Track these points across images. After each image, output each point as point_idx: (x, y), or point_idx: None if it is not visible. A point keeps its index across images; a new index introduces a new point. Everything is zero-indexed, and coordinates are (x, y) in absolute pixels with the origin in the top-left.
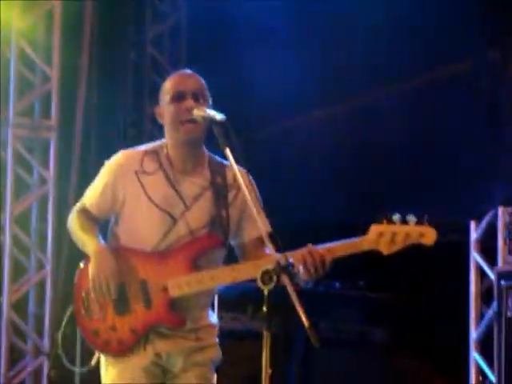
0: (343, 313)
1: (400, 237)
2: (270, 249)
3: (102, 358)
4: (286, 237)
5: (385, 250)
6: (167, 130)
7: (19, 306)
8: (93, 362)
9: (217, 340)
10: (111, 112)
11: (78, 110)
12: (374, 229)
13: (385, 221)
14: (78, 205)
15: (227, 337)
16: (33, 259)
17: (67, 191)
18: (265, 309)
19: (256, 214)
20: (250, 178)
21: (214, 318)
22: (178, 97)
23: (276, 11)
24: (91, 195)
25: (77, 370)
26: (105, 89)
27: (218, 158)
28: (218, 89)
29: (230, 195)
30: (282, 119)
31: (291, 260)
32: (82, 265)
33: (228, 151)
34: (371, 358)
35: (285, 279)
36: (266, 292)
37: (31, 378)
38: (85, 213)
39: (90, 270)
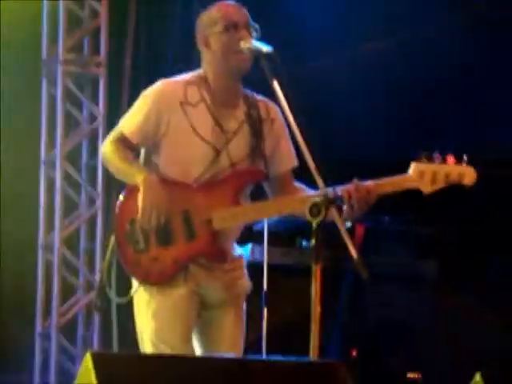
0: (392, 247)
1: (440, 176)
2: (318, 182)
3: (141, 289)
4: (328, 174)
5: (426, 189)
6: (213, 59)
7: (71, 242)
8: (132, 293)
9: (245, 271)
10: (160, 47)
11: (127, 45)
12: (415, 167)
13: (424, 159)
14: (113, 135)
15: (277, 271)
16: (83, 195)
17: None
18: (314, 242)
19: (290, 146)
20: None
21: (239, 249)
22: (232, 26)
23: None
24: (131, 123)
25: (113, 299)
26: (153, 23)
27: (249, 92)
28: (265, 22)
29: (265, 128)
30: (327, 54)
31: (340, 193)
32: (121, 197)
33: (275, 83)
34: (421, 292)
35: (333, 212)
36: (314, 225)
37: (83, 313)
38: (123, 142)
39: (141, 199)
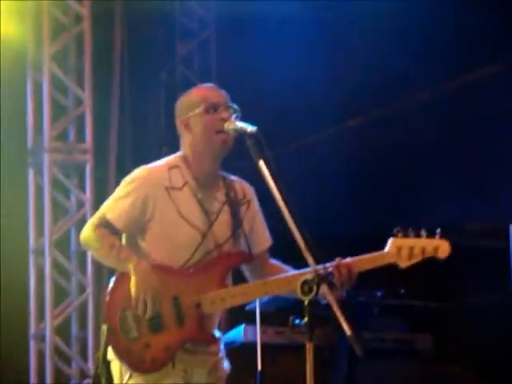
0: (386, 322)
1: (417, 250)
2: (308, 259)
3: (130, 379)
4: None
5: (403, 263)
6: (195, 141)
7: (62, 330)
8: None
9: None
10: (144, 132)
11: (112, 131)
12: (393, 243)
13: (400, 234)
14: (96, 219)
15: (271, 351)
16: (73, 282)
17: None
18: (306, 320)
19: (264, 226)
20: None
21: (217, 332)
22: (213, 108)
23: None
24: (115, 208)
25: None
26: (137, 109)
27: (224, 173)
28: (246, 104)
29: (242, 209)
30: (308, 133)
31: (330, 269)
32: (112, 284)
33: (262, 163)
34: (416, 366)
35: (325, 289)
36: (306, 303)
37: None
38: (107, 227)
39: (135, 288)
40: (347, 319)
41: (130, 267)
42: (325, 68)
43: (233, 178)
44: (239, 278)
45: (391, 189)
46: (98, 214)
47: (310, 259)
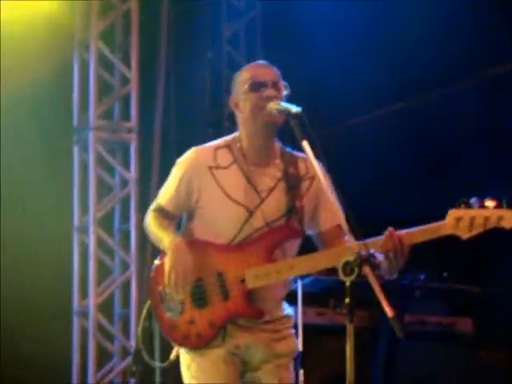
0: (428, 305)
1: (478, 221)
2: (350, 239)
3: (182, 351)
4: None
5: (464, 234)
6: (244, 119)
7: (105, 308)
8: (172, 357)
9: (293, 331)
10: (190, 111)
11: (157, 110)
12: (452, 213)
13: (463, 205)
14: (153, 204)
15: (313, 332)
16: (117, 260)
17: (149, 191)
18: (347, 301)
19: (332, 203)
20: (324, 170)
21: (288, 309)
22: (259, 85)
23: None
24: (166, 193)
25: (156, 364)
26: (183, 88)
27: (289, 149)
28: (295, 83)
29: (304, 186)
30: (354, 114)
31: (373, 251)
32: (157, 261)
33: (305, 143)
34: (457, 350)
35: (367, 270)
36: (348, 283)
37: (119, 379)
38: (160, 211)
39: (166, 264)
40: (388, 301)
41: (166, 245)
42: (371, 50)
43: (297, 154)
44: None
45: (440, 172)
46: (156, 198)
47: (351, 239)
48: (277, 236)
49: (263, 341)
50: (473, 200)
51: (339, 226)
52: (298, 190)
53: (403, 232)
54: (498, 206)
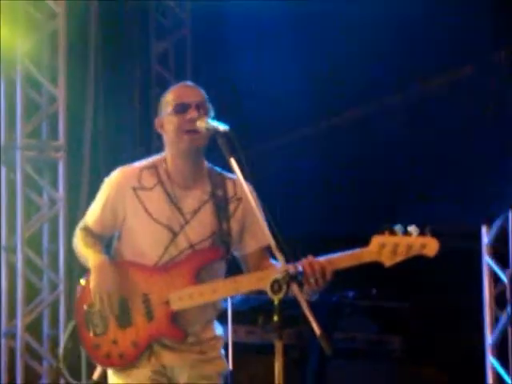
0: (357, 323)
1: (402, 248)
2: (278, 258)
3: (109, 372)
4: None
5: (386, 261)
6: (168, 141)
7: (33, 328)
8: (95, 376)
9: (222, 352)
10: (119, 131)
11: (86, 129)
12: (376, 240)
13: (387, 232)
14: (81, 224)
15: (243, 350)
16: (45, 280)
17: (77, 211)
18: (276, 319)
19: (259, 224)
20: (252, 189)
21: (219, 330)
22: (182, 108)
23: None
24: (92, 213)
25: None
26: (112, 107)
27: (217, 170)
28: (221, 102)
29: (231, 207)
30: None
31: (300, 269)
32: (82, 280)
33: (233, 161)
34: (386, 367)
35: (294, 288)
36: (276, 302)
37: None
38: (87, 231)
39: (91, 283)
40: (317, 319)
41: (91, 264)
42: (300, 63)
43: (226, 175)
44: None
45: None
46: (84, 218)
47: (280, 258)
48: (200, 258)
49: (190, 362)
50: (397, 227)
51: (264, 248)
52: (225, 212)
53: (325, 259)
54: (422, 234)
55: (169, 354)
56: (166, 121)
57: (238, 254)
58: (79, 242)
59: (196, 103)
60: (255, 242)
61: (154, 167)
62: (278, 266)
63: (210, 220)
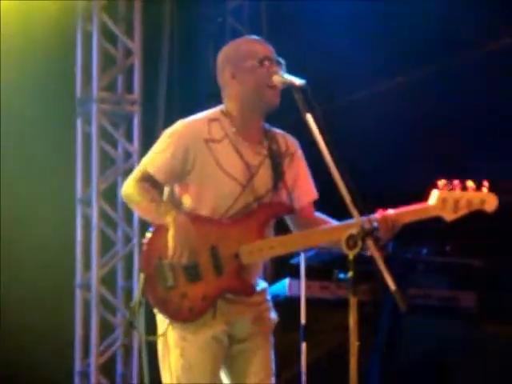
0: (431, 279)
1: (462, 203)
2: (353, 213)
3: (170, 330)
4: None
5: (448, 216)
6: (243, 93)
7: (108, 280)
8: (162, 331)
9: (271, 303)
10: (193, 84)
11: (161, 83)
12: (438, 195)
13: (445, 186)
14: (137, 174)
15: (316, 305)
16: (120, 233)
17: None
18: (351, 274)
19: (309, 179)
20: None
21: (262, 281)
22: (269, 62)
23: None
24: (156, 162)
25: (141, 338)
26: (186, 61)
27: (268, 126)
28: (299, 56)
29: (285, 162)
30: (362, 87)
31: (375, 224)
32: (149, 234)
33: (309, 116)
34: (460, 324)
35: (370, 244)
36: (351, 257)
37: (122, 351)
38: (148, 181)
39: (173, 239)
40: (391, 274)
41: (169, 220)
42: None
43: (276, 130)
44: (285, 232)
45: (437, 146)
46: (139, 168)
47: (355, 213)
48: (269, 212)
49: (251, 314)
50: (455, 182)
51: (312, 203)
52: (281, 167)
53: (393, 213)
54: (479, 189)
55: (232, 309)
56: (245, 73)
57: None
58: (141, 195)
59: (276, 59)
60: (305, 197)
61: (218, 120)
62: (350, 221)
63: (270, 174)
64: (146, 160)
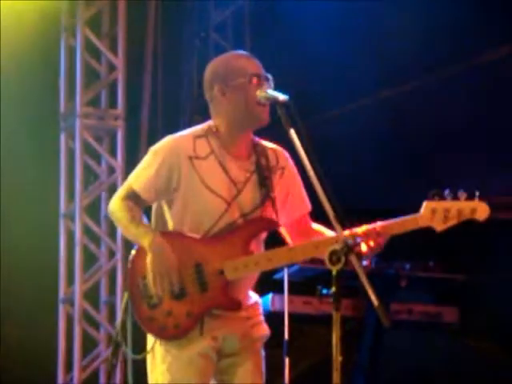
0: (414, 294)
1: (453, 213)
2: (336, 228)
3: (157, 345)
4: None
5: (438, 226)
6: (233, 110)
7: (91, 295)
8: (149, 349)
9: (262, 317)
10: (177, 99)
11: (144, 97)
12: (427, 205)
13: (436, 197)
14: (122, 191)
15: (299, 321)
16: (103, 248)
17: None
18: (334, 289)
19: (302, 192)
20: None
21: (255, 296)
22: (259, 79)
23: None
24: (141, 179)
25: (132, 357)
26: (170, 76)
27: (257, 139)
28: (282, 72)
29: (275, 177)
30: (343, 101)
31: (358, 239)
32: (134, 251)
33: (292, 132)
34: (443, 339)
35: (353, 259)
36: (334, 272)
37: (104, 366)
38: (132, 199)
39: (150, 263)
40: (374, 290)
41: (146, 243)
42: (359, 39)
43: (266, 144)
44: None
45: (423, 162)
46: (125, 184)
47: (338, 228)
48: (254, 227)
49: (239, 329)
50: (446, 191)
51: (307, 215)
52: (270, 181)
53: (380, 224)
54: (470, 198)
55: (220, 325)
56: (235, 90)
57: (282, 222)
58: (123, 214)
59: (264, 75)
60: (299, 210)
61: (204, 136)
62: (334, 235)
63: (258, 190)
64: (131, 176)
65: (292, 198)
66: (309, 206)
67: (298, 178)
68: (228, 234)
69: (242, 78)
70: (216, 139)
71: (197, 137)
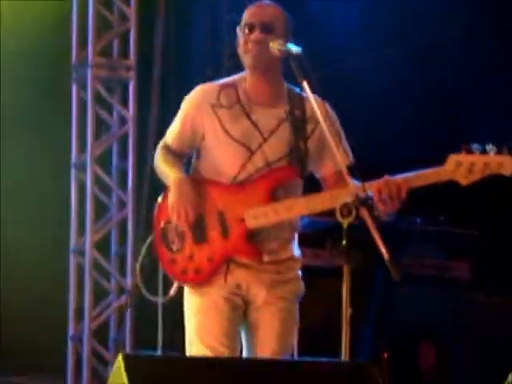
0: (424, 249)
1: (478, 167)
2: (348, 182)
3: (186, 290)
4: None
5: (462, 180)
6: (241, 58)
7: (102, 246)
8: (171, 292)
9: (299, 274)
10: (189, 50)
11: (156, 47)
12: (452, 159)
13: (464, 151)
14: (161, 142)
15: (308, 273)
16: (114, 198)
17: (147, 130)
18: (344, 242)
19: (335, 147)
20: (329, 109)
21: (297, 251)
22: (248, 28)
23: None
24: (172, 131)
25: (158, 299)
26: (183, 25)
27: (297, 91)
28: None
29: (309, 128)
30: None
31: (370, 193)
32: (160, 199)
33: (305, 84)
34: (453, 294)
35: (364, 212)
36: (345, 225)
37: (115, 316)
38: (167, 149)
39: (170, 197)
40: (385, 244)
41: (170, 181)
42: None
43: (305, 94)
44: None
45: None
46: (164, 136)
47: (349, 181)
48: (276, 176)
49: (266, 281)
50: (474, 146)
51: (340, 172)
52: (302, 132)
53: (401, 177)
54: (499, 152)
55: (244, 273)
56: (240, 40)
57: (318, 176)
58: (159, 160)
59: (263, 23)
60: (332, 166)
61: (233, 86)
62: (352, 186)
63: (287, 139)
64: (170, 127)
65: (325, 152)
66: (346, 161)
67: (338, 133)
68: (252, 183)
69: (239, 27)
70: (244, 88)
71: (225, 86)
